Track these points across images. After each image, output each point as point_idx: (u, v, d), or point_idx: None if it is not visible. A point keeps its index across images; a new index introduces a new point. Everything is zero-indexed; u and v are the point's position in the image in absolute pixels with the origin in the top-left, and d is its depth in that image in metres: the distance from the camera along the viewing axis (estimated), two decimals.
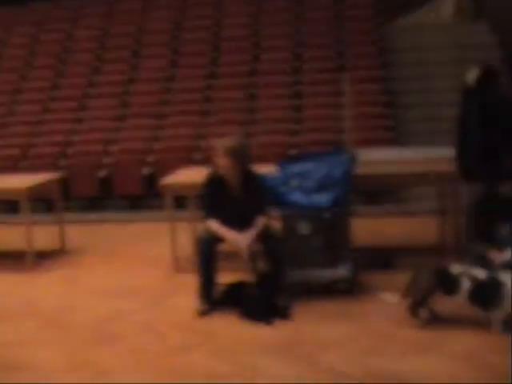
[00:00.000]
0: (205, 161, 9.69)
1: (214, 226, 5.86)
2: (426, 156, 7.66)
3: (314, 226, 6.06)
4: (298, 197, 6.16)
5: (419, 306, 5.40)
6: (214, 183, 5.94)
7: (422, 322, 5.38)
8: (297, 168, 6.35)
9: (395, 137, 10.78)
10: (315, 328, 5.45)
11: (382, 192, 9.97)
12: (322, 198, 6.10)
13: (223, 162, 5.85)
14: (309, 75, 12.20)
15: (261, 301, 5.66)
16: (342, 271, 6.12)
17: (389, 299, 5.61)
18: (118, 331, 5.60)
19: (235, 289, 5.97)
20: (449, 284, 5.31)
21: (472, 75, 6.42)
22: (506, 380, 4.40)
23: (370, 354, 4.90)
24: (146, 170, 10.68)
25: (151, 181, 10.26)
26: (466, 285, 5.24)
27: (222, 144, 5.91)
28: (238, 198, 5.93)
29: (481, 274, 5.30)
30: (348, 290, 6.13)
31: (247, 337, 5.32)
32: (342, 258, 6.12)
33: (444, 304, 5.43)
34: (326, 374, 4.62)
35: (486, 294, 5.22)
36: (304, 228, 6.04)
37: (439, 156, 7.20)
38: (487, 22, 12.54)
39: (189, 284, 6.24)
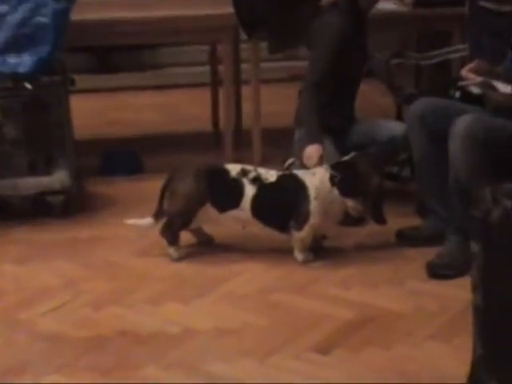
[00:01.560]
0: None
1: None
2: None
3: (7, 108, 3.89)
4: None
5: (181, 227, 3.55)
6: None
7: (181, 253, 3.58)
8: None
9: None
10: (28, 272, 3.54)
11: (121, 53, 7.36)
12: (20, 60, 3.94)
13: None
14: None
15: None
16: (56, 179, 4.02)
17: (137, 223, 3.64)
18: None
19: None
20: (226, 191, 3.52)
21: None
22: None
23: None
24: None
25: None
26: (250, 192, 3.45)
27: None
28: None
29: (271, 173, 3.52)
30: (67, 207, 4.13)
31: None
32: (55, 159, 4.04)
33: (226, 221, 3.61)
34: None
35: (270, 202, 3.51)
36: None
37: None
38: None
39: None
